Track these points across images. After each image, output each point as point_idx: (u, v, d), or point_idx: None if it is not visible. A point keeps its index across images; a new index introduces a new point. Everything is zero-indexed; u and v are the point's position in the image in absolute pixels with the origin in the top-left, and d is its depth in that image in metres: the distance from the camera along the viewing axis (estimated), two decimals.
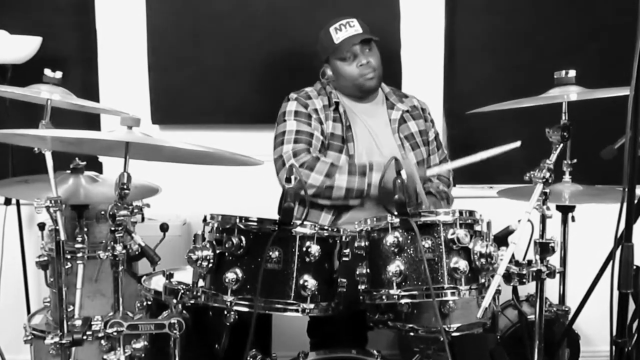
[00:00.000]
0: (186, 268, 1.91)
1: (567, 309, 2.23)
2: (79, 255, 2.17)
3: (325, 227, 1.71)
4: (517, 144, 2.09)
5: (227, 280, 1.60)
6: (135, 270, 2.30)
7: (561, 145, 1.81)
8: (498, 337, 2.22)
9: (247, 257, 1.63)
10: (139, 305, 2.00)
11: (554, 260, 1.84)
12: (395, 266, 1.63)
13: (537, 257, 1.79)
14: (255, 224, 1.64)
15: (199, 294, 1.66)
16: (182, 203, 2.84)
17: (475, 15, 2.93)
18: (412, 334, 1.74)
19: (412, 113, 2.47)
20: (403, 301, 1.65)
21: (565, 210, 2.20)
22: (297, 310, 1.63)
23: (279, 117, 2.37)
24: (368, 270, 1.70)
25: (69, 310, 2.06)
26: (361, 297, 1.72)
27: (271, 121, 2.44)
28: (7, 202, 2.79)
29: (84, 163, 2.25)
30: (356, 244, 1.71)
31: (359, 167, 2.21)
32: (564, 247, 2.20)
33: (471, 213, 1.70)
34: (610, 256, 1.68)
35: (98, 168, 2.78)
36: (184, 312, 1.68)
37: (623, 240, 1.48)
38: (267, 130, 2.52)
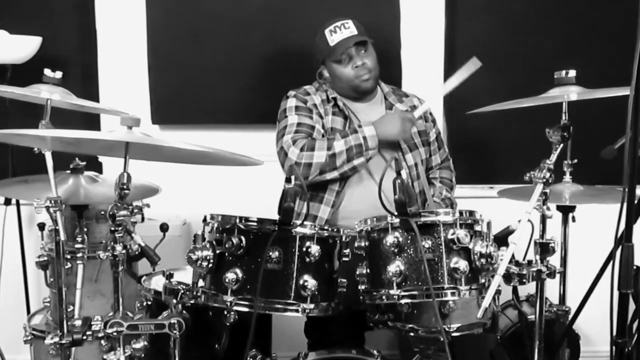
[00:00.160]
0: (186, 268, 1.92)
1: (567, 309, 2.23)
2: (79, 255, 2.17)
3: (325, 227, 1.71)
4: (476, 62, 2.23)
5: (227, 280, 1.60)
6: (135, 270, 2.30)
7: (561, 145, 1.80)
8: (498, 337, 2.22)
9: (247, 257, 1.63)
10: (139, 305, 2.00)
11: (554, 260, 1.84)
12: (395, 266, 1.63)
13: (537, 257, 1.79)
14: (255, 224, 1.64)
15: (199, 294, 1.66)
16: (182, 203, 2.84)
17: (475, 15, 2.94)
18: (412, 334, 1.73)
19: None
20: (403, 301, 1.65)
21: (566, 211, 2.20)
22: (297, 311, 1.63)
23: (280, 115, 2.38)
24: (368, 271, 1.70)
25: (68, 310, 2.06)
26: (361, 297, 1.73)
27: (271, 121, 2.44)
28: (7, 202, 2.79)
29: (84, 163, 2.25)
30: (356, 244, 1.71)
31: (349, 129, 2.25)
32: (564, 247, 2.20)
33: (471, 213, 1.70)
34: (611, 256, 1.68)
35: (98, 168, 2.78)
36: (184, 312, 1.68)
37: (623, 240, 1.48)
38: (267, 130, 2.52)
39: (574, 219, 2.21)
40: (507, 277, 1.71)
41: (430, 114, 2.55)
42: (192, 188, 2.88)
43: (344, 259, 1.74)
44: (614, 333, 1.53)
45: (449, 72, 2.92)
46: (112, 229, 1.61)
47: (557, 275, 1.81)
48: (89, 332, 1.63)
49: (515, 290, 2.04)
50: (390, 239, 1.64)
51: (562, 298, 2.24)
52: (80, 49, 2.89)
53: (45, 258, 2.23)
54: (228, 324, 1.64)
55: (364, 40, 2.33)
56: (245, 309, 1.62)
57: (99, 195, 2.19)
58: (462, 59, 2.91)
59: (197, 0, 2.85)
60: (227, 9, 2.84)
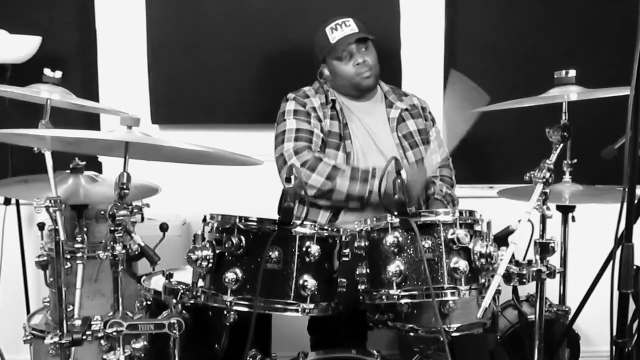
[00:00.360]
0: (186, 268, 1.92)
1: (567, 309, 2.23)
2: (79, 255, 2.17)
3: (326, 227, 1.71)
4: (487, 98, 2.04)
5: (227, 280, 1.60)
6: (135, 270, 2.30)
7: (561, 145, 1.80)
8: (498, 337, 2.22)
9: (247, 257, 1.63)
10: (138, 305, 2.00)
11: (554, 260, 1.84)
12: (395, 266, 1.63)
13: (538, 257, 1.78)
14: (255, 224, 1.64)
15: (198, 294, 1.66)
16: (182, 203, 2.84)
17: (475, 15, 2.94)
18: (412, 334, 1.73)
19: (411, 112, 2.47)
20: (403, 301, 1.65)
21: (566, 211, 2.20)
22: (297, 311, 1.63)
23: (279, 118, 2.38)
24: (368, 271, 1.70)
25: (68, 310, 2.06)
26: (361, 298, 1.72)
27: (271, 121, 2.44)
28: (7, 202, 2.79)
29: (84, 163, 2.25)
30: (356, 244, 1.71)
31: (362, 174, 2.20)
32: (564, 247, 2.20)
33: (471, 213, 1.70)
34: (611, 256, 1.68)
35: (98, 168, 2.78)
36: (184, 312, 1.68)
37: (623, 240, 1.48)
38: (267, 130, 2.52)
39: (574, 219, 2.21)
40: (507, 277, 1.71)
41: (430, 113, 2.55)
42: (192, 188, 2.88)
43: (344, 259, 1.74)
44: (614, 333, 1.53)
45: (449, 72, 2.93)
46: (112, 229, 1.61)
47: (557, 276, 1.81)
48: (89, 332, 1.63)
49: (515, 291, 2.05)
50: (390, 239, 1.64)
51: (562, 298, 2.24)
52: (80, 49, 2.89)
53: (45, 258, 2.23)
54: (228, 324, 1.64)
55: (365, 38, 2.33)
56: (245, 309, 1.61)
57: (99, 195, 2.18)
58: (462, 59, 2.94)
59: (197, 0, 2.85)
60: (227, 9, 2.84)
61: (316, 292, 1.63)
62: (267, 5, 2.84)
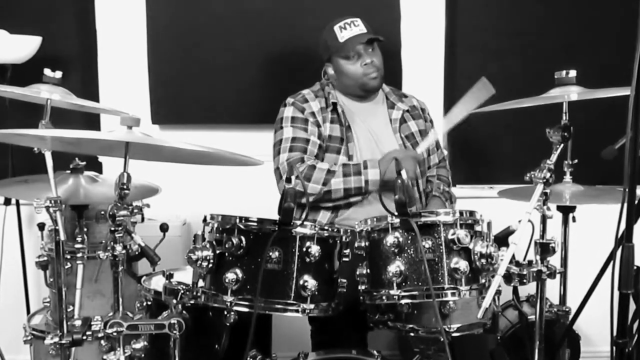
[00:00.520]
0: (186, 268, 1.91)
1: (567, 309, 2.23)
2: (79, 255, 2.17)
3: (326, 227, 1.71)
4: (490, 88, 2.03)
5: (227, 280, 1.60)
6: (135, 270, 2.30)
7: (562, 145, 1.80)
8: (498, 337, 2.22)
9: (247, 258, 1.63)
10: (138, 305, 2.00)
11: (555, 260, 1.84)
12: (395, 266, 1.63)
13: (538, 257, 1.78)
14: (255, 224, 1.64)
15: (198, 294, 1.66)
16: (182, 203, 2.84)
17: (475, 15, 2.94)
18: (412, 334, 1.73)
19: (412, 113, 2.47)
20: (403, 301, 1.65)
21: (566, 211, 2.20)
22: (297, 311, 1.63)
23: (277, 124, 2.37)
24: (368, 271, 1.69)
25: (68, 310, 2.06)
26: (361, 298, 1.72)
27: (271, 121, 2.43)
28: (7, 202, 2.79)
29: (84, 163, 2.25)
30: (356, 244, 1.71)
31: (353, 167, 2.21)
32: (564, 247, 2.20)
33: (471, 213, 1.70)
34: (611, 256, 1.68)
35: (98, 168, 2.78)
36: (184, 312, 1.68)
37: (623, 240, 1.48)
38: (267, 130, 2.52)
39: (574, 219, 2.22)
40: (508, 278, 1.71)
41: (428, 114, 2.55)
42: (192, 188, 2.88)
43: (344, 259, 1.74)
44: (615, 333, 1.53)
45: (449, 72, 2.94)
46: (112, 229, 1.61)
47: (558, 276, 1.81)
48: (88, 332, 1.63)
49: (515, 291, 2.04)
50: (390, 239, 1.64)
51: (563, 298, 2.25)
52: (80, 49, 2.89)
53: (45, 258, 2.23)
54: (228, 324, 1.64)
55: (374, 39, 2.33)
56: (245, 309, 1.61)
57: (99, 195, 2.18)
58: (462, 59, 2.94)
59: (198, 0, 2.85)
60: (227, 9, 2.84)
61: (316, 292, 1.63)
62: (268, 6, 2.84)
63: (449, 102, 2.93)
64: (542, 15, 2.92)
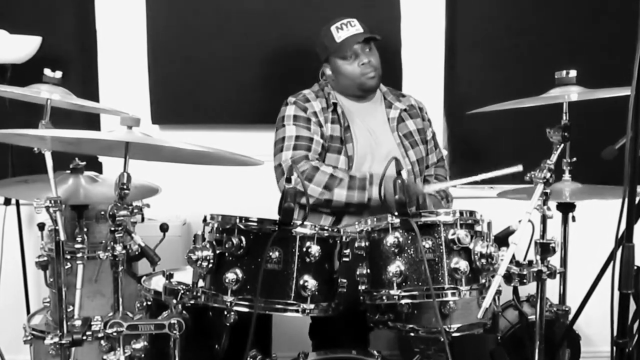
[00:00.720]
0: (186, 268, 1.91)
1: (567, 309, 2.23)
2: (79, 255, 2.17)
3: (326, 228, 1.71)
4: (519, 168, 1.95)
5: (227, 280, 1.60)
6: (135, 270, 2.30)
7: (562, 145, 1.80)
8: (498, 337, 2.22)
9: (247, 258, 1.63)
10: (138, 305, 2.00)
11: (555, 260, 1.84)
12: (395, 266, 1.63)
13: (538, 257, 1.79)
14: (255, 224, 1.64)
15: (198, 294, 1.66)
16: (182, 203, 2.84)
17: (475, 15, 2.94)
18: (412, 334, 1.73)
19: (409, 112, 2.47)
20: (403, 301, 1.65)
21: (566, 210, 2.19)
22: (297, 311, 1.63)
23: (278, 122, 2.37)
24: (368, 271, 1.69)
25: (68, 310, 2.06)
26: (361, 298, 1.72)
27: (271, 121, 2.43)
28: (7, 202, 2.79)
29: (84, 163, 2.25)
30: (356, 244, 1.71)
31: (359, 181, 2.20)
32: (564, 247, 2.20)
33: (472, 213, 1.70)
34: (611, 256, 1.68)
35: (98, 168, 2.78)
36: (184, 312, 1.67)
37: (624, 240, 1.48)
38: (267, 130, 2.52)
39: (574, 219, 2.21)
40: (508, 278, 1.71)
41: (426, 113, 2.55)
42: (192, 188, 2.87)
43: (344, 259, 1.74)
44: (615, 333, 1.53)
45: (449, 72, 2.94)
46: (112, 229, 1.61)
47: (558, 276, 1.81)
48: (88, 332, 1.63)
49: (515, 291, 2.04)
50: (390, 239, 1.64)
51: (563, 298, 2.24)
52: (80, 49, 2.89)
53: (45, 258, 2.22)
54: (228, 324, 1.63)
55: (370, 39, 2.33)
56: (246, 309, 1.61)
57: (99, 195, 2.18)
58: (462, 59, 2.94)
59: (198, 0, 2.85)
60: (227, 10, 2.84)
61: (316, 292, 1.63)
62: (267, 6, 2.84)
63: (449, 101, 2.94)
64: (542, 15, 2.92)
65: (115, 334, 1.59)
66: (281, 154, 2.27)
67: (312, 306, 1.64)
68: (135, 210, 1.64)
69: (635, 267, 1.48)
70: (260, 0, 2.84)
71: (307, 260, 1.63)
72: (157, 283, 1.98)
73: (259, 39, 2.85)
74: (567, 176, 2.19)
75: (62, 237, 1.93)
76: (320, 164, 2.24)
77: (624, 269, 1.47)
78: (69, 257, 2.14)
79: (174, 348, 1.65)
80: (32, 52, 2.64)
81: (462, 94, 2.94)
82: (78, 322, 2.05)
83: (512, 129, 2.90)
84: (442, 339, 1.62)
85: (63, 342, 1.78)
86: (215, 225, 1.68)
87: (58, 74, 2.05)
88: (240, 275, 1.61)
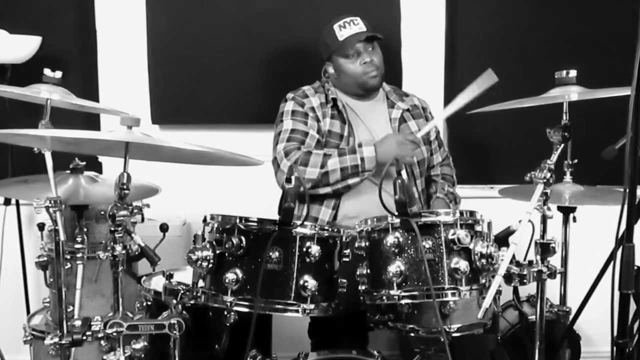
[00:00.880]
0: (186, 268, 1.91)
1: (568, 309, 2.23)
2: (79, 255, 2.17)
3: (326, 228, 1.71)
4: (493, 76, 2.04)
5: (227, 280, 1.60)
6: (135, 270, 2.30)
7: (562, 145, 1.80)
8: (498, 337, 2.22)
9: (247, 258, 1.63)
10: (138, 305, 2.00)
11: (555, 260, 1.84)
12: (395, 267, 1.63)
13: (538, 257, 1.79)
14: (255, 224, 1.64)
15: (198, 294, 1.66)
16: (182, 203, 2.84)
17: (476, 15, 2.93)
18: (412, 334, 1.73)
19: (412, 112, 2.47)
20: (403, 302, 1.65)
21: (566, 211, 2.19)
22: (297, 311, 1.63)
23: (277, 118, 2.37)
24: (368, 271, 1.69)
25: (68, 310, 2.06)
26: (361, 298, 1.72)
27: (271, 121, 2.43)
28: (7, 202, 2.79)
29: (84, 163, 2.25)
30: (356, 245, 1.71)
31: (349, 148, 2.22)
32: (564, 247, 2.20)
33: (472, 213, 1.70)
34: (611, 257, 1.68)
35: (98, 168, 2.78)
36: (184, 312, 1.67)
37: (624, 240, 1.47)
38: (267, 130, 2.51)
39: (574, 219, 2.21)
40: (508, 278, 1.71)
41: (430, 113, 2.55)
42: (192, 188, 2.87)
43: (344, 259, 1.74)
44: (615, 333, 1.53)
45: (449, 72, 2.94)
46: (112, 229, 1.61)
47: (558, 276, 1.81)
48: (88, 333, 1.63)
49: (515, 291, 2.04)
50: (390, 239, 1.64)
51: (563, 298, 2.24)
52: (80, 49, 2.89)
53: (45, 258, 2.22)
54: (228, 324, 1.63)
55: (373, 37, 2.32)
56: (246, 310, 1.61)
57: (99, 195, 2.18)
58: (462, 59, 2.94)
59: (197, 1, 2.85)
60: (228, 9, 2.84)
61: (316, 292, 1.63)
62: (267, 6, 2.84)
63: (449, 100, 2.92)
64: (542, 15, 2.91)
65: (115, 334, 1.59)
66: (276, 147, 2.28)
67: (312, 306, 1.64)
68: (135, 210, 1.64)
69: (636, 268, 1.48)
70: (261, 0, 2.84)
71: (307, 260, 1.63)
72: (157, 283, 1.98)
73: (259, 38, 2.85)
74: (568, 178, 2.19)
75: (62, 237, 1.93)
76: (311, 148, 2.24)
77: (624, 269, 1.47)
78: (68, 257, 2.14)
79: (174, 348, 1.65)
80: (32, 52, 2.64)
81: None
82: (78, 322, 2.05)
83: (512, 129, 2.90)
84: (442, 339, 1.62)
85: (63, 342, 1.78)
86: (215, 225, 1.68)
87: (58, 74, 2.05)
88: (240, 275, 1.61)
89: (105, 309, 2.22)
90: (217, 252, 1.63)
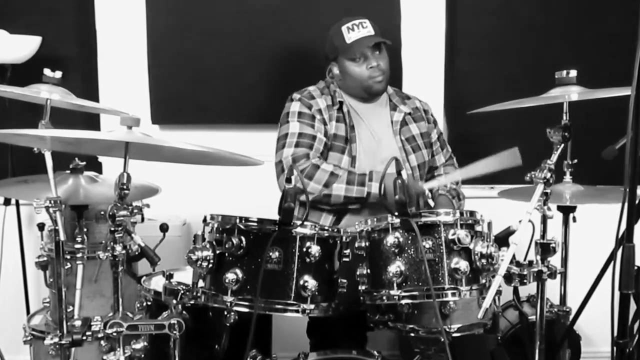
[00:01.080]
0: (186, 268, 1.91)
1: (568, 309, 2.23)
2: (79, 255, 2.17)
3: (326, 228, 1.71)
4: (517, 155, 1.88)
5: (227, 280, 1.60)
6: (135, 270, 2.29)
7: (562, 145, 1.80)
8: (499, 337, 2.22)
9: (247, 258, 1.63)
10: (138, 305, 2.00)
11: (555, 260, 1.84)
12: (395, 267, 1.62)
13: (538, 257, 1.79)
14: (255, 224, 1.64)
15: (198, 294, 1.66)
16: (182, 203, 2.84)
17: (476, 15, 2.93)
18: (412, 334, 1.73)
19: (413, 115, 2.46)
20: (403, 302, 1.64)
21: (567, 211, 2.19)
22: (297, 311, 1.63)
23: (282, 118, 2.36)
24: (368, 271, 1.69)
25: (68, 310, 2.06)
26: (361, 298, 1.72)
27: (271, 121, 2.43)
28: (7, 202, 2.79)
29: (84, 163, 2.24)
30: (356, 245, 1.71)
31: (358, 177, 2.20)
32: (565, 247, 2.20)
33: (472, 213, 1.70)
34: (612, 257, 1.68)
35: (98, 168, 2.78)
36: (184, 312, 1.67)
37: (624, 240, 1.47)
38: (267, 130, 2.52)
39: (574, 219, 2.21)
40: (508, 278, 1.71)
41: (432, 115, 2.55)
42: (192, 188, 2.87)
43: (345, 259, 1.74)
44: (615, 334, 1.53)
45: (449, 72, 2.93)
46: (112, 229, 1.61)
47: (558, 276, 1.81)
48: (88, 333, 1.63)
49: (516, 291, 2.04)
50: (390, 239, 1.64)
51: (563, 298, 2.24)
52: (80, 49, 2.89)
53: (45, 258, 2.22)
54: (228, 324, 1.63)
55: (383, 42, 2.32)
56: (246, 310, 1.61)
57: (99, 195, 2.18)
58: (462, 59, 2.94)
59: (197, 0, 2.85)
60: (227, 10, 2.84)
61: (316, 293, 1.63)
62: (268, 6, 2.83)
63: (449, 101, 2.94)
64: (542, 16, 2.91)
65: (115, 334, 1.59)
66: (282, 150, 2.27)
67: (312, 306, 1.64)
68: (135, 210, 1.64)
69: (636, 268, 1.48)
70: (261, 0, 2.84)
71: (307, 260, 1.63)
72: (157, 283, 1.98)
73: (259, 39, 2.84)
74: (568, 178, 2.19)
75: (62, 237, 1.93)
76: (320, 162, 2.24)
77: (624, 269, 1.47)
78: (68, 257, 2.14)
79: (174, 348, 1.65)
80: (32, 52, 2.64)
81: (462, 94, 2.93)
82: (78, 323, 2.05)
83: (512, 129, 2.90)
84: (443, 339, 1.62)
85: (63, 342, 1.78)
86: (215, 225, 1.68)
87: (58, 74, 2.05)
88: (240, 275, 1.61)
89: (105, 309, 2.22)
90: (217, 252, 1.63)
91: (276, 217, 1.62)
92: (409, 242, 1.64)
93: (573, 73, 1.93)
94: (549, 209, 1.76)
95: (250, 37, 2.84)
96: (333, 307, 1.71)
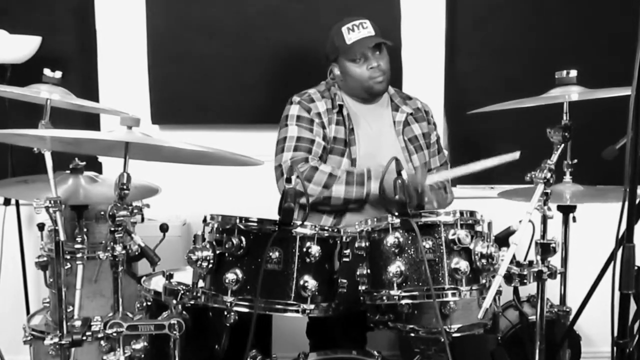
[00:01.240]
0: (186, 268, 1.91)
1: (568, 309, 2.23)
2: (79, 255, 2.17)
3: (326, 228, 1.71)
4: (516, 155, 2.00)
5: (227, 280, 1.60)
6: (135, 270, 2.29)
7: (562, 145, 1.80)
8: (499, 338, 2.22)
9: (247, 258, 1.62)
10: (138, 305, 2.00)
11: (555, 260, 1.84)
12: (395, 267, 1.62)
13: (538, 257, 1.79)
14: (255, 224, 1.64)
15: (198, 294, 1.66)
16: (182, 203, 2.84)
17: (475, 15, 2.93)
18: (412, 334, 1.73)
19: (415, 116, 2.46)
20: (404, 302, 1.64)
21: (567, 211, 2.19)
22: (297, 311, 1.63)
23: (281, 121, 2.36)
24: (368, 271, 1.69)
25: (68, 310, 2.06)
26: (362, 298, 1.72)
27: (271, 121, 2.43)
28: (7, 202, 2.79)
29: (84, 163, 2.24)
30: (356, 245, 1.71)
31: (357, 177, 2.20)
32: (565, 247, 2.20)
33: (472, 213, 1.70)
34: (612, 257, 1.68)
35: (98, 168, 2.78)
36: (184, 312, 1.67)
37: (624, 240, 1.47)
38: (267, 130, 2.52)
39: (574, 220, 2.21)
40: (508, 278, 1.71)
41: (432, 117, 2.54)
42: (192, 188, 2.87)
43: (345, 259, 1.73)
44: (615, 334, 1.53)
45: (449, 72, 2.93)
46: (112, 229, 1.61)
47: (558, 276, 1.81)
48: (88, 333, 1.63)
49: (516, 291, 2.04)
50: (390, 239, 1.64)
51: (563, 298, 2.24)
52: (80, 49, 2.89)
53: (45, 258, 2.22)
54: (228, 324, 1.63)
55: (383, 42, 2.32)
56: (246, 310, 1.61)
57: (99, 196, 2.18)
58: (462, 59, 2.94)
59: (197, 0, 2.85)
60: (228, 10, 2.84)
61: (316, 293, 1.63)
62: (268, 6, 2.84)
63: (449, 101, 2.94)
64: (542, 16, 2.91)
65: (115, 334, 1.59)
66: (282, 154, 2.27)
67: (312, 306, 1.64)
68: (135, 211, 1.64)
69: (636, 268, 1.48)
70: (261, 0, 2.84)
71: (307, 260, 1.63)
72: (157, 283, 1.98)
73: (259, 39, 2.85)
74: (567, 177, 2.19)
75: (62, 237, 1.93)
76: (319, 164, 2.24)
77: (624, 269, 1.47)
78: (68, 257, 2.14)
79: (174, 348, 1.65)
80: (31, 52, 2.64)
81: (462, 94, 2.93)
82: (78, 323, 2.04)
83: (512, 129, 2.90)
84: (443, 340, 1.62)
85: (63, 342, 1.78)
86: (215, 225, 1.68)
87: (58, 74, 2.05)
88: (240, 275, 1.61)
89: (105, 309, 2.22)
90: (217, 252, 1.63)
91: (276, 217, 1.62)
92: (409, 242, 1.64)
93: (573, 73, 1.93)
94: (549, 209, 1.76)
95: (250, 37, 2.84)
96: (333, 307, 1.71)
